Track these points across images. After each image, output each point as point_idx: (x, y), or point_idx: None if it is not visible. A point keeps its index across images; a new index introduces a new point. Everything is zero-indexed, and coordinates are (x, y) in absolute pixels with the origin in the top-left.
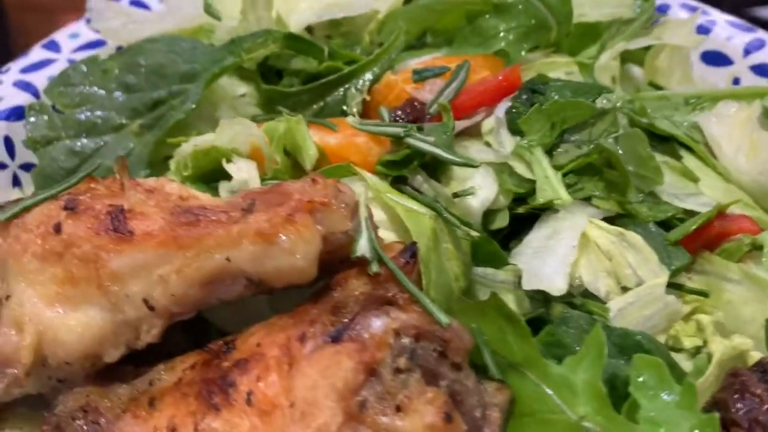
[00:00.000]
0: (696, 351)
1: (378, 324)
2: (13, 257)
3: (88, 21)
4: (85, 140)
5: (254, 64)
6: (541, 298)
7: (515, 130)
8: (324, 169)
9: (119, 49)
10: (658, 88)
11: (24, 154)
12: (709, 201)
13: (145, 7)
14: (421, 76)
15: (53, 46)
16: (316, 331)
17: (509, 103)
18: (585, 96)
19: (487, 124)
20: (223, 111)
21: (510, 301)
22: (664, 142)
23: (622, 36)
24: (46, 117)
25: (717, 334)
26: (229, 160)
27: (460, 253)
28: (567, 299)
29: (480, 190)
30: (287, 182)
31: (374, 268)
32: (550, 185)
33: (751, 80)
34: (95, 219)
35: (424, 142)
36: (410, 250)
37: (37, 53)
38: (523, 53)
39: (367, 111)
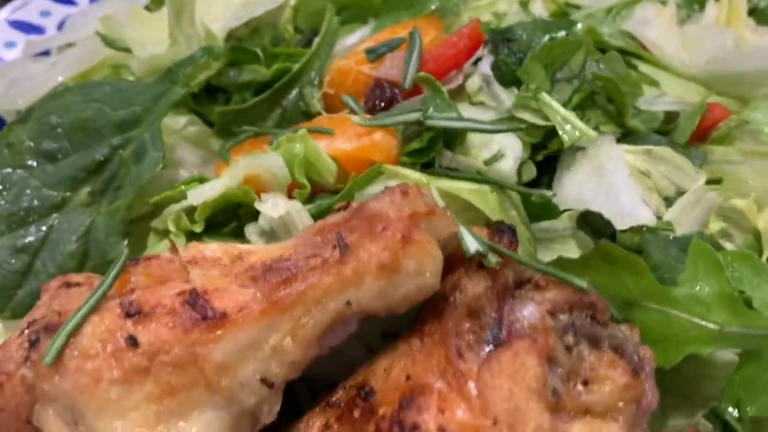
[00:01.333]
0: (721, 234)
1: (531, 311)
2: (86, 393)
3: None
4: (26, 230)
5: (197, 89)
6: (598, 233)
7: (505, 83)
8: (358, 179)
9: None
10: (573, 6)
11: None
12: (676, 99)
13: None
14: (376, 53)
15: None
16: (470, 342)
17: (489, 58)
18: (556, 32)
19: (473, 84)
20: (182, 148)
21: (573, 245)
22: None
23: None
24: None
25: (751, 212)
26: (246, 202)
27: (522, 216)
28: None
29: (508, 150)
30: (367, 204)
31: (493, 260)
32: (572, 125)
33: None
34: (172, 315)
35: (448, 120)
36: (507, 230)
37: None
38: (457, 5)
39: (327, 104)
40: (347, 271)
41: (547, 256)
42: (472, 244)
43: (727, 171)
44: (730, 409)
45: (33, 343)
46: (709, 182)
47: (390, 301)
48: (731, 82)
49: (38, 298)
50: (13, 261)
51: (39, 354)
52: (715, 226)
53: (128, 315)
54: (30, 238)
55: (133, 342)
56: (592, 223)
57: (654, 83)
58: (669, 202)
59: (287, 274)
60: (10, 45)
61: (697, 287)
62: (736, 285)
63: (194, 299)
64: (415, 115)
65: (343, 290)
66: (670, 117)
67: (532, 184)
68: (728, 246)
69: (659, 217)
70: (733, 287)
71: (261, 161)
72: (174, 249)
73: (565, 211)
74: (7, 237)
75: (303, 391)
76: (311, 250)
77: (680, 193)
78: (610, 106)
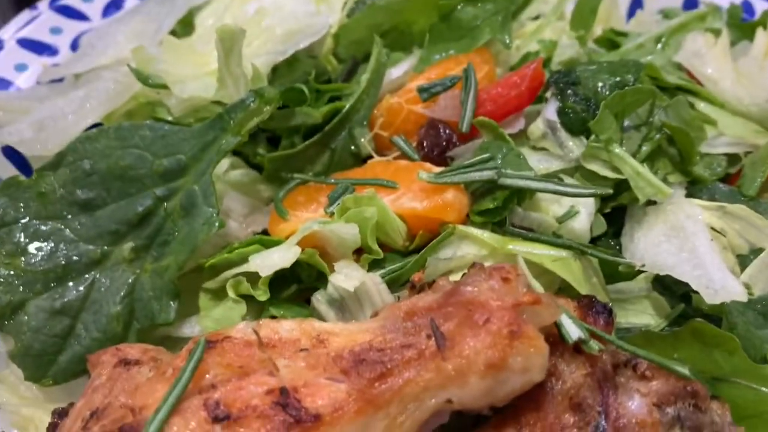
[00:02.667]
0: None
1: (638, 404)
2: None
3: None
4: (63, 290)
5: (247, 137)
6: (671, 293)
7: (573, 131)
8: (433, 243)
9: (7, 150)
10: (620, 34)
11: None
12: (734, 140)
13: (4, 83)
14: (430, 93)
15: None
16: None
17: (555, 104)
18: (624, 74)
19: (536, 129)
20: (229, 197)
21: (647, 307)
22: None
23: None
24: None
25: None
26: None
27: (602, 282)
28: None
29: (581, 207)
30: (462, 289)
31: (595, 347)
32: (646, 181)
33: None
34: (263, 419)
35: (525, 179)
36: (603, 310)
37: None
38: (508, 37)
39: (376, 145)
40: (449, 367)
41: (621, 317)
42: (573, 331)
43: None
44: None
45: None
46: None
47: (493, 399)
48: None
49: (81, 364)
50: (52, 324)
51: None
52: None
53: (216, 419)
54: (69, 298)
55: None
56: (666, 285)
57: (711, 122)
58: (742, 260)
59: (382, 368)
60: (21, 68)
61: None
62: None
63: (286, 400)
64: (489, 173)
65: (444, 387)
66: (732, 160)
67: (600, 238)
68: None
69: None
70: None
71: (333, 229)
72: (260, 343)
73: (640, 272)
74: (44, 297)
75: None
76: (403, 338)
77: (754, 251)
78: (673, 152)
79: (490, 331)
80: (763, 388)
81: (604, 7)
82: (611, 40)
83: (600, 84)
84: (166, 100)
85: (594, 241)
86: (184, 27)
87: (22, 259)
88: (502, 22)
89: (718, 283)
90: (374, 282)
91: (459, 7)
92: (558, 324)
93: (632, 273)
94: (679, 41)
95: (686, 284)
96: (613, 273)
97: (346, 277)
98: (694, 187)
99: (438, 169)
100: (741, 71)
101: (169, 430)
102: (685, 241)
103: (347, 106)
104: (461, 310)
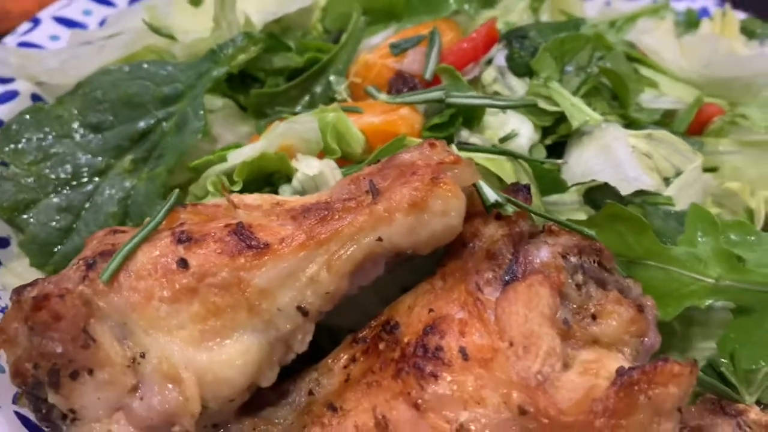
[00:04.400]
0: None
1: (545, 252)
2: (137, 310)
3: None
4: (71, 193)
5: (236, 70)
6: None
7: (519, 74)
8: (384, 147)
9: (35, 96)
10: (580, 20)
11: None
12: (675, 99)
13: (36, 47)
14: (400, 48)
15: None
16: (488, 278)
17: (504, 52)
18: (564, 31)
19: (488, 75)
20: (219, 125)
21: (582, 216)
22: None
23: None
24: (10, 181)
25: (744, 193)
26: (281, 166)
27: (535, 187)
28: (630, 201)
29: (521, 130)
30: (399, 155)
31: (509, 209)
32: (579, 110)
33: (622, 5)
34: (220, 242)
35: (468, 98)
36: (523, 188)
37: None
38: (472, 11)
39: (352, 94)
40: (380, 209)
41: None
42: (490, 194)
43: (721, 160)
44: (725, 361)
45: (90, 266)
46: (707, 170)
47: (417, 238)
48: (725, 86)
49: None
50: (58, 219)
51: (96, 274)
52: (711, 209)
53: (180, 241)
54: (74, 199)
55: (183, 264)
56: (598, 200)
57: (654, 85)
58: (668, 183)
59: (324, 213)
60: (54, 38)
61: (695, 246)
62: (732, 248)
63: (241, 230)
64: (438, 94)
65: (375, 227)
66: (669, 115)
67: None
68: None
69: (659, 194)
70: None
71: (297, 125)
72: (225, 189)
73: (574, 185)
74: (53, 197)
75: (327, 343)
76: (347, 195)
77: (679, 174)
78: (614, 101)
79: (415, 180)
80: (672, 268)
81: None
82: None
83: (545, 37)
84: (172, 48)
85: None
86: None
87: (39, 165)
88: None
89: (631, 177)
90: (330, 167)
91: None
92: (477, 187)
93: (565, 186)
94: (631, 25)
95: (619, 200)
96: (549, 187)
97: (306, 165)
98: (629, 127)
99: None
100: (684, 46)
101: (139, 251)
102: (609, 154)
103: (326, 58)
104: (395, 171)
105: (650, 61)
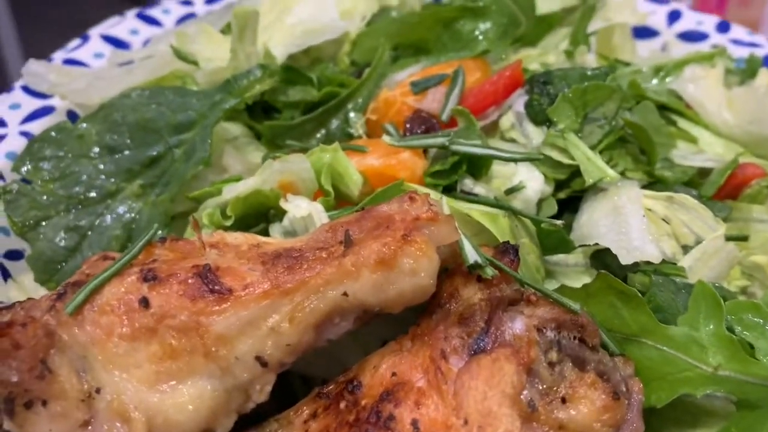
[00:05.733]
0: (743, 291)
1: (519, 324)
2: (97, 345)
3: (25, 88)
4: (80, 213)
5: (251, 101)
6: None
7: (537, 121)
8: (379, 191)
9: (71, 113)
10: (623, 63)
11: (5, 242)
12: (712, 156)
13: (80, 64)
14: (421, 87)
15: None
16: (456, 346)
17: (524, 98)
18: (592, 79)
19: (506, 120)
20: (229, 155)
21: (584, 281)
22: None
23: (581, 20)
24: (26, 197)
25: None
26: (274, 203)
27: (535, 245)
28: (638, 268)
29: (530, 182)
30: (378, 206)
31: (489, 272)
32: (595, 165)
33: (680, 47)
34: (183, 284)
35: (472, 146)
36: (511, 249)
37: None
38: (504, 50)
39: (369, 130)
40: (347, 263)
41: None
42: (471, 254)
43: (755, 229)
44: None
45: (60, 296)
46: (734, 238)
47: (385, 296)
48: None
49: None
50: (65, 238)
51: (63, 305)
52: (738, 282)
53: (145, 279)
54: (83, 220)
55: (145, 303)
56: (606, 264)
57: (692, 140)
58: (688, 251)
59: (293, 261)
60: (98, 55)
61: (697, 329)
62: (741, 332)
63: (206, 273)
64: (441, 140)
65: (341, 281)
66: (704, 174)
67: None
68: None
69: (674, 263)
70: (738, 335)
71: (289, 165)
72: (196, 226)
73: (580, 246)
74: (62, 216)
75: (301, 390)
76: (320, 243)
77: (699, 242)
78: (641, 156)
79: (386, 235)
80: (669, 350)
81: (617, 41)
82: (612, 67)
83: (568, 83)
84: (195, 74)
85: None
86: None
87: (55, 184)
88: (499, 36)
89: (634, 246)
90: (317, 210)
91: (461, 22)
92: (459, 246)
93: (571, 246)
94: (679, 73)
95: (627, 266)
96: (555, 246)
97: (295, 206)
98: (654, 186)
99: None
100: (732, 99)
101: (108, 285)
102: (620, 217)
103: (345, 92)
104: (371, 222)
105: (691, 113)
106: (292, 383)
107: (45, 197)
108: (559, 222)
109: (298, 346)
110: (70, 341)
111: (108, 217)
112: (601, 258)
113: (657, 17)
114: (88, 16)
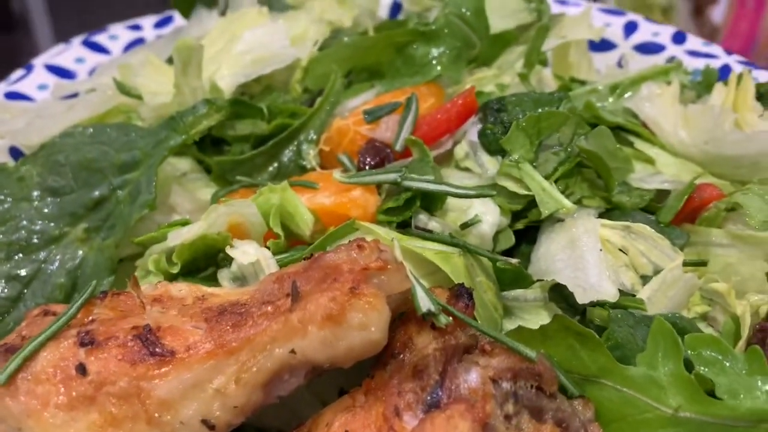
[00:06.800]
0: (703, 317)
1: (474, 377)
2: (33, 416)
3: None
4: (21, 260)
5: (197, 137)
6: (570, 306)
7: (491, 151)
8: (331, 232)
9: (13, 150)
10: (579, 82)
11: None
12: (669, 178)
13: (23, 98)
14: (374, 116)
15: None
16: (410, 402)
17: (478, 126)
18: (546, 105)
19: (460, 150)
20: (177, 194)
21: (545, 316)
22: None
23: (535, 39)
24: None
25: (730, 297)
26: (222, 247)
27: (491, 283)
28: (595, 303)
29: (485, 215)
30: (326, 255)
31: (443, 320)
32: (551, 196)
33: (637, 59)
34: (122, 348)
35: (425, 182)
36: (465, 293)
37: None
38: (459, 74)
39: (323, 161)
40: (294, 319)
41: (515, 325)
42: (424, 302)
43: (714, 254)
44: None
45: None
46: (693, 264)
47: (334, 353)
48: (729, 164)
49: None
50: (6, 288)
51: None
52: (698, 308)
53: (82, 344)
54: (25, 268)
55: (82, 370)
56: (566, 297)
57: (649, 161)
58: (647, 281)
59: (238, 318)
60: (42, 87)
61: (656, 368)
62: (702, 369)
63: (146, 335)
64: (393, 176)
65: (288, 338)
66: (662, 195)
67: (510, 252)
68: (709, 330)
69: (633, 295)
70: (696, 371)
71: (236, 208)
72: (135, 284)
73: (538, 281)
74: (3, 264)
75: None
76: (267, 296)
77: (658, 272)
78: (599, 181)
79: (333, 288)
80: (628, 390)
81: (573, 57)
82: (567, 87)
83: (523, 111)
84: (139, 109)
85: (504, 254)
86: None
87: None
88: (453, 60)
89: (591, 284)
90: (265, 257)
91: (414, 46)
92: (411, 294)
93: (529, 281)
94: (635, 90)
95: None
96: (512, 282)
97: (242, 252)
98: (612, 212)
99: None
100: (688, 117)
101: (43, 350)
102: (576, 251)
103: (297, 123)
104: (319, 273)
105: (647, 133)
106: None
107: None
108: (514, 261)
109: (246, 407)
110: (3, 413)
111: (51, 265)
112: (562, 293)
113: (613, 29)
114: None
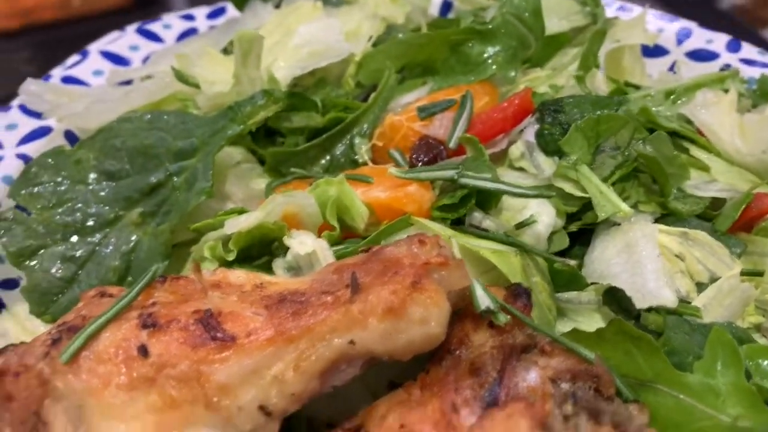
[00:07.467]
0: (757, 328)
1: (533, 376)
2: (94, 394)
3: (22, 107)
4: (77, 242)
5: (254, 128)
6: (624, 311)
7: (548, 152)
8: (386, 226)
9: (69, 133)
10: (633, 86)
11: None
12: (726, 186)
13: (79, 82)
14: (428, 112)
15: None
16: (467, 398)
17: (535, 126)
18: (604, 108)
19: (516, 149)
20: (231, 183)
21: (598, 320)
22: None
23: (592, 43)
24: (21, 226)
25: None
26: (278, 237)
27: (546, 283)
28: (650, 308)
29: (541, 216)
30: (385, 248)
31: (502, 318)
32: (608, 200)
33: (690, 66)
34: (184, 331)
35: (482, 180)
36: (523, 293)
37: None
38: (514, 74)
39: (375, 157)
40: (354, 310)
41: (568, 327)
42: (483, 300)
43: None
44: None
45: (55, 342)
46: (749, 273)
47: (393, 345)
48: None
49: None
50: (61, 269)
51: (58, 351)
52: (753, 319)
53: (144, 326)
54: (80, 249)
55: (144, 352)
56: (619, 301)
57: (705, 168)
58: (702, 288)
59: (298, 307)
60: (97, 73)
61: (714, 376)
62: (760, 380)
63: (207, 319)
64: (449, 173)
65: (348, 329)
66: (717, 204)
67: (563, 255)
68: (763, 341)
69: (688, 302)
70: (755, 381)
71: (293, 199)
72: (197, 269)
73: (593, 284)
74: (59, 246)
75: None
76: (326, 287)
77: (714, 280)
78: (654, 186)
79: (395, 282)
80: (686, 397)
81: (626, 62)
82: (622, 91)
83: (581, 113)
84: (196, 97)
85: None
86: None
87: (51, 212)
88: (509, 59)
89: (649, 289)
90: (322, 248)
91: (470, 44)
92: (470, 291)
93: (583, 284)
94: (690, 97)
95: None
96: (566, 283)
97: (299, 242)
98: (667, 219)
99: None
100: (746, 126)
101: (105, 331)
102: (633, 255)
103: (350, 117)
104: (379, 266)
105: (703, 141)
106: (295, 425)
107: (41, 226)
108: (572, 262)
109: (302, 395)
110: (65, 390)
111: (106, 248)
112: (616, 296)
113: (666, 34)
114: None
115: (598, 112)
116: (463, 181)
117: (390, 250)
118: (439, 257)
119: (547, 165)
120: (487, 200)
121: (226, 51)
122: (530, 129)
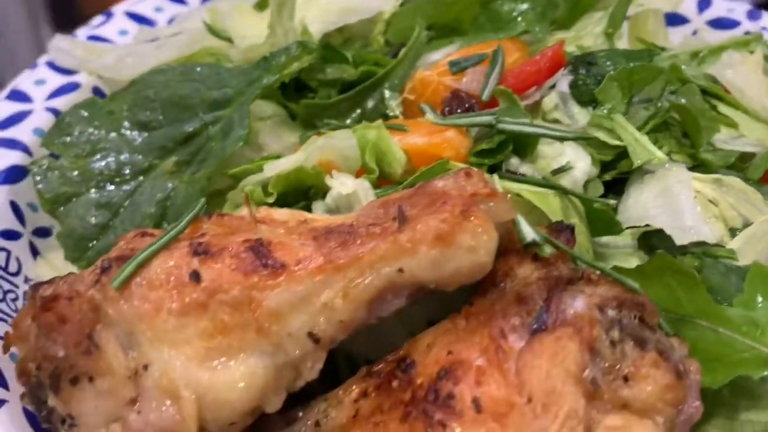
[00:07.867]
0: None
1: (580, 303)
2: (145, 320)
3: (50, 64)
4: (112, 189)
5: (288, 78)
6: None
7: (582, 102)
8: (424, 170)
9: (97, 90)
10: (659, 48)
11: (33, 219)
12: (753, 141)
13: (105, 41)
14: (459, 66)
15: (21, 97)
16: (515, 325)
17: (568, 78)
18: (637, 60)
19: (549, 101)
20: (265, 134)
21: (633, 263)
22: None
23: (621, 4)
24: (56, 172)
25: None
26: (315, 182)
27: (584, 226)
28: (687, 251)
29: (577, 162)
30: (432, 182)
31: (547, 250)
32: (643, 147)
33: (710, 34)
34: (235, 258)
35: (520, 125)
36: (566, 229)
37: (4, 107)
38: (542, 33)
39: (405, 111)
40: (403, 239)
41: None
42: (528, 232)
43: None
44: None
45: (105, 270)
46: None
47: (441, 273)
48: None
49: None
50: (96, 215)
51: (109, 279)
52: None
53: (196, 253)
54: (115, 197)
55: (195, 277)
56: (653, 247)
57: (733, 125)
58: (735, 234)
59: (345, 237)
60: (123, 33)
61: (754, 309)
62: None
63: (258, 247)
64: (487, 118)
65: (397, 257)
66: (746, 158)
67: None
68: None
69: (722, 246)
70: None
71: (334, 141)
72: (247, 203)
73: (629, 228)
74: (94, 192)
75: (345, 370)
76: (373, 220)
77: (747, 226)
78: (685, 139)
79: (444, 211)
80: (725, 331)
81: (650, 26)
82: (650, 51)
83: (614, 65)
84: (228, 51)
85: None
86: (261, 7)
87: (86, 160)
88: (538, 17)
89: (689, 227)
90: (364, 188)
91: (500, 1)
92: (515, 224)
93: (619, 228)
94: (716, 58)
95: (676, 249)
96: (602, 228)
97: (341, 183)
98: (697, 170)
99: None
100: None
101: (155, 259)
102: (669, 198)
103: (382, 71)
104: (426, 199)
105: (731, 98)
106: (337, 362)
107: (76, 173)
108: (612, 201)
109: (350, 323)
110: (116, 317)
111: (141, 195)
112: (651, 241)
113: (687, 4)
114: None
115: (632, 64)
116: (502, 126)
117: (436, 183)
118: (486, 188)
119: (581, 115)
120: (523, 147)
121: (258, 7)
122: (564, 81)
